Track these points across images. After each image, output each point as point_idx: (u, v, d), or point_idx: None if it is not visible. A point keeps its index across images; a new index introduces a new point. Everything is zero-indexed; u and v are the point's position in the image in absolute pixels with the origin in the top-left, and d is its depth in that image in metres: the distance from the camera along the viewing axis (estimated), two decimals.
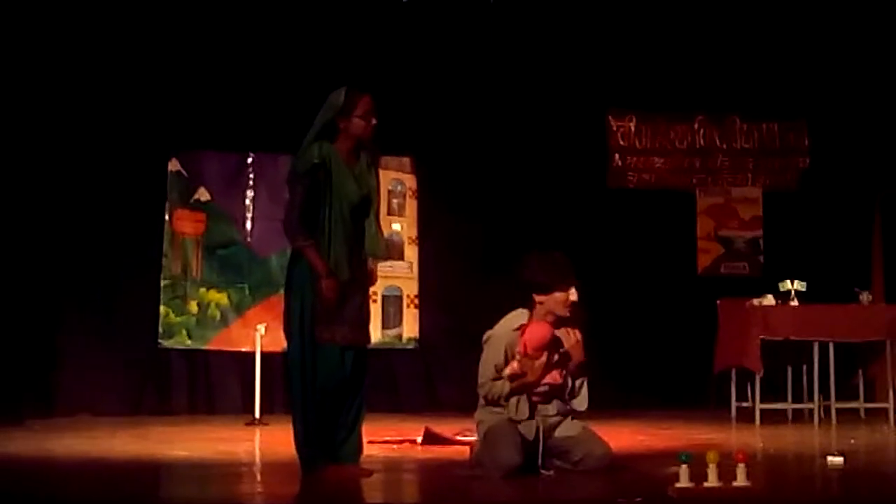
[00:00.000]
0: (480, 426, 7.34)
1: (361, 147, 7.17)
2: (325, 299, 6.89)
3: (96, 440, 9.66)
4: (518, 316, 7.31)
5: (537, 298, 7.25)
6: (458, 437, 8.96)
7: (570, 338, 7.25)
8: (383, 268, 11.84)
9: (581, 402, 7.38)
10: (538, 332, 7.22)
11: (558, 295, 7.22)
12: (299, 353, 6.98)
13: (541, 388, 7.22)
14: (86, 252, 11.93)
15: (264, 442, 9.82)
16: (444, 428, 9.43)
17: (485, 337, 7.37)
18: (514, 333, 7.25)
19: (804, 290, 11.28)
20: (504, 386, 7.20)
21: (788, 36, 13.10)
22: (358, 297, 7.11)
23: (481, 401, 7.35)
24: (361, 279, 7.14)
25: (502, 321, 7.35)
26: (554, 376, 7.23)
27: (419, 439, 9.24)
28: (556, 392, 7.27)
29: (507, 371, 7.20)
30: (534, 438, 7.18)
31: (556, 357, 7.24)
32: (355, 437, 7.14)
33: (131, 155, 12.02)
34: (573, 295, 7.23)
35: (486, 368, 7.28)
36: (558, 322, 7.26)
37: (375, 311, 12.08)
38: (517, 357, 7.20)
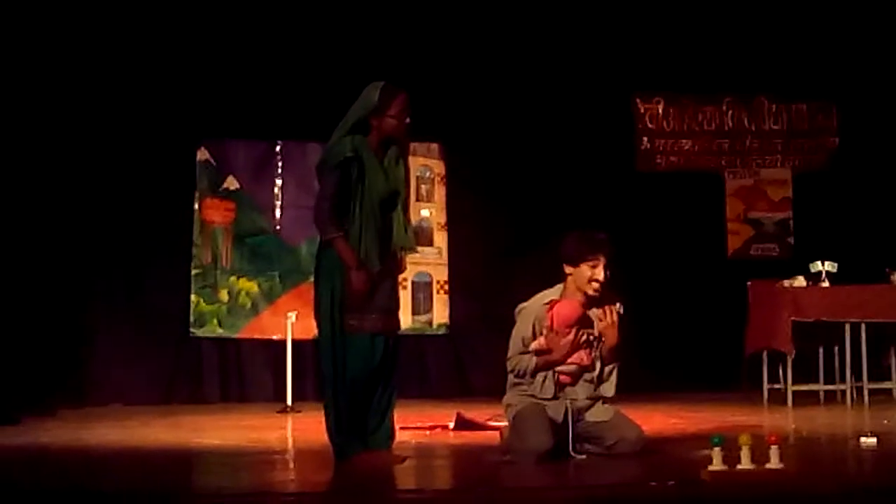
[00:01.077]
0: (509, 410, 7.34)
1: (392, 141, 7.17)
2: (354, 290, 6.89)
3: (128, 429, 9.69)
4: (552, 291, 7.32)
5: (567, 270, 7.26)
6: (490, 423, 8.95)
7: (606, 319, 7.21)
8: (413, 254, 11.92)
9: (608, 388, 7.35)
10: (566, 308, 7.22)
11: (584, 268, 7.21)
12: (330, 341, 6.99)
13: (566, 367, 7.22)
14: (116, 242, 11.98)
15: (296, 429, 9.83)
16: (475, 413, 9.43)
17: (517, 309, 7.38)
18: (544, 307, 7.26)
19: (835, 270, 11.24)
20: (530, 360, 7.21)
21: (816, 15, 13.02)
22: (387, 285, 7.12)
23: (510, 381, 7.37)
24: (391, 268, 7.15)
25: (537, 296, 7.36)
26: (581, 356, 7.22)
27: (451, 425, 9.25)
28: (583, 373, 7.27)
29: (534, 345, 7.22)
30: (563, 421, 7.18)
31: (584, 336, 7.23)
32: (387, 423, 7.14)
33: (160, 144, 12.06)
34: (599, 273, 7.20)
35: (515, 341, 7.31)
36: (592, 302, 7.25)
37: (405, 297, 12.12)
38: (544, 332, 7.21)
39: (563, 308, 7.23)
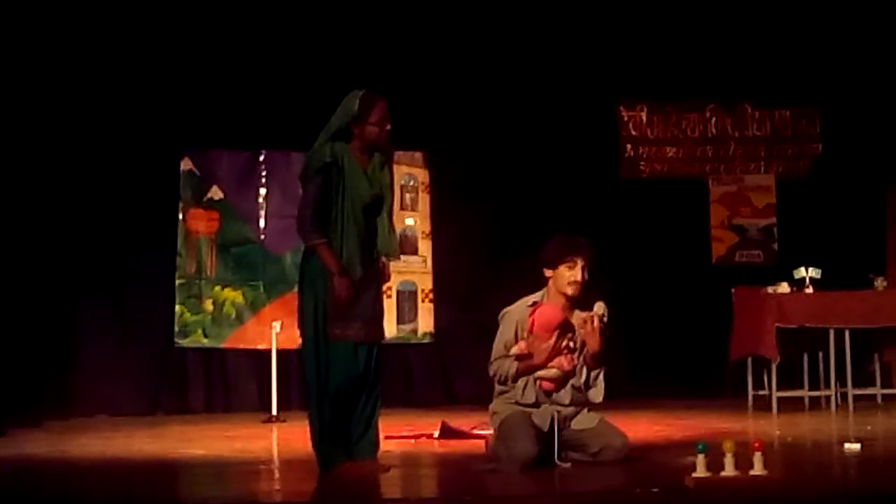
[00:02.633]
0: (495, 417, 7.35)
1: (375, 148, 7.18)
2: (337, 297, 6.90)
3: (114, 440, 9.69)
4: (535, 295, 7.35)
5: (546, 273, 7.30)
6: (475, 431, 8.95)
7: (587, 326, 7.22)
8: (397, 263, 11.94)
9: (596, 394, 7.37)
10: (547, 312, 7.24)
11: (562, 269, 7.24)
12: (314, 350, 6.99)
13: (547, 373, 7.23)
14: (100, 252, 11.97)
15: (282, 439, 9.83)
16: (460, 422, 9.44)
17: (501, 314, 7.41)
18: (526, 310, 7.28)
19: (819, 277, 11.27)
20: (511, 365, 7.24)
21: (799, 22, 13.04)
22: (371, 294, 7.12)
23: (496, 389, 7.38)
24: (374, 276, 7.15)
25: (520, 300, 7.38)
26: (561, 362, 7.23)
27: (436, 433, 9.25)
28: (566, 379, 7.28)
29: (514, 350, 7.23)
30: (549, 429, 7.18)
31: (565, 342, 7.24)
32: (372, 432, 7.14)
33: (143, 154, 12.03)
34: (577, 274, 7.23)
35: (497, 345, 7.35)
36: (575, 305, 7.27)
37: (390, 306, 12.11)
38: (525, 336, 7.23)
39: (544, 312, 7.24)
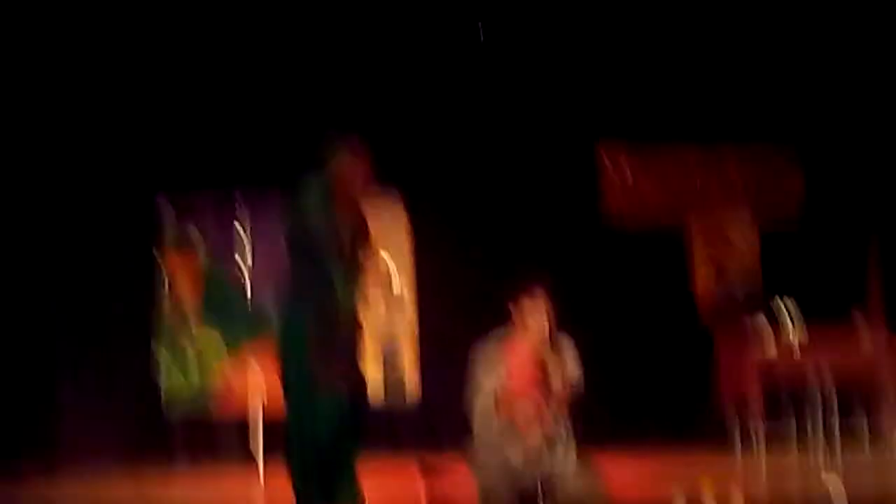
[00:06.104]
0: (477, 472, 7.36)
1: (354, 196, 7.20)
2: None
3: (96, 487, 9.62)
4: (504, 331, 7.40)
5: (511, 308, 7.36)
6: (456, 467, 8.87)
7: (557, 369, 7.26)
8: (380, 313, 11.98)
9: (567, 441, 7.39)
10: (517, 352, 7.29)
11: (524, 300, 7.32)
12: (296, 400, 6.97)
13: (526, 412, 7.25)
14: (80, 297, 11.92)
15: (267, 487, 9.77)
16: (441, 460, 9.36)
17: (474, 355, 7.41)
18: (496, 346, 7.33)
19: (800, 320, 11.30)
20: (491, 402, 7.26)
21: (781, 67, 13.10)
22: (354, 341, 7.12)
23: (475, 437, 7.38)
24: (355, 327, 7.15)
25: (490, 337, 7.44)
26: (538, 400, 7.26)
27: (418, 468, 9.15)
28: (545, 417, 7.29)
29: (491, 392, 7.27)
30: (533, 488, 7.19)
31: (541, 377, 7.28)
32: (354, 480, 7.11)
33: (120, 197, 12.03)
34: (539, 305, 7.30)
35: (472, 389, 7.36)
36: (545, 344, 7.31)
37: (374, 355, 12.09)
38: (501, 377, 7.27)
39: (514, 353, 7.31)
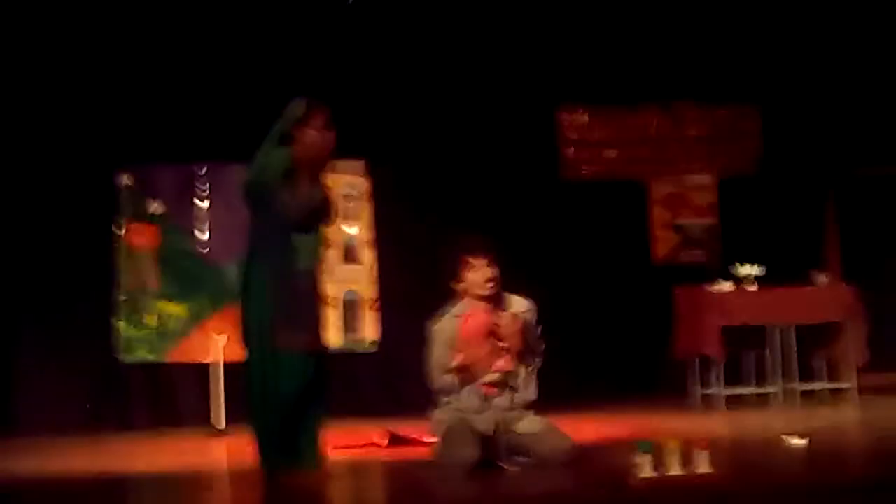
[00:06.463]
0: (439, 426, 7.39)
1: (316, 154, 7.18)
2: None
3: (58, 459, 9.59)
4: (459, 305, 7.41)
5: (458, 287, 7.40)
6: (424, 439, 8.93)
7: (511, 325, 7.31)
8: (342, 272, 11.93)
9: (528, 393, 7.43)
10: (472, 321, 7.34)
11: (469, 276, 7.37)
12: (259, 361, 6.96)
13: (491, 377, 7.31)
14: (39, 272, 11.86)
15: (229, 452, 9.78)
16: (408, 429, 9.42)
17: (430, 329, 7.49)
18: (454, 321, 7.37)
19: (761, 274, 11.34)
20: (454, 380, 7.30)
21: (739, 20, 13.12)
22: (313, 303, 7.11)
23: (438, 399, 7.43)
24: (313, 286, 7.14)
25: (445, 313, 7.47)
26: (500, 365, 7.33)
27: (383, 442, 9.22)
28: (509, 381, 7.32)
29: (453, 364, 7.30)
30: (493, 433, 7.23)
31: (499, 342, 7.33)
32: (317, 442, 7.12)
33: (79, 172, 11.94)
34: (484, 273, 7.34)
35: (435, 360, 7.42)
36: (497, 305, 7.34)
37: (335, 315, 12.09)
38: (460, 348, 7.29)
39: (469, 322, 7.34)
